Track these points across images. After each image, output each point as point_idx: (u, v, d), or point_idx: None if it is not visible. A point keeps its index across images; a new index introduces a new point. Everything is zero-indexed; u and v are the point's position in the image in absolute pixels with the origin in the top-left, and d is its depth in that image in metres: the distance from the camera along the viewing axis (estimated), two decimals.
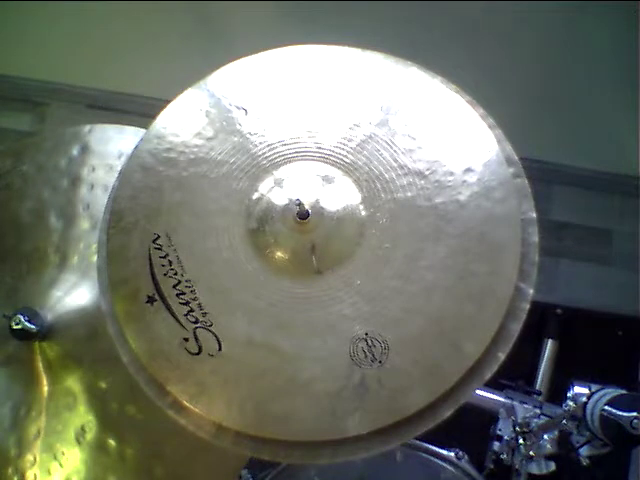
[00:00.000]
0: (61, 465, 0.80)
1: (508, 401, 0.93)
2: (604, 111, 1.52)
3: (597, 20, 1.41)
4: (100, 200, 0.86)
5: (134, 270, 0.66)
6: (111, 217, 0.69)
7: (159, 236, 0.67)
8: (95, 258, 0.71)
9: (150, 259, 0.67)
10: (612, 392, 0.76)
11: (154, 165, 0.70)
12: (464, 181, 0.66)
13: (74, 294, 0.83)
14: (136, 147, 0.72)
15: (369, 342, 0.61)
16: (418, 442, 0.95)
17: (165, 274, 0.66)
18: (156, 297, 0.65)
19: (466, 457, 0.97)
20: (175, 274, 0.66)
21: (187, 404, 0.62)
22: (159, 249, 0.67)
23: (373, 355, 0.61)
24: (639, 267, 1.51)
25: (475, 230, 0.64)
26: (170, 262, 0.66)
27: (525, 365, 1.26)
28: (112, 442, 0.79)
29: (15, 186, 0.90)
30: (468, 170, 0.66)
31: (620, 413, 0.73)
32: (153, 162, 0.71)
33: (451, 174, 0.66)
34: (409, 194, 0.66)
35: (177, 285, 0.65)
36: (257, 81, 0.73)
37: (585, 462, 0.81)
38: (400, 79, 0.71)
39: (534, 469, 0.87)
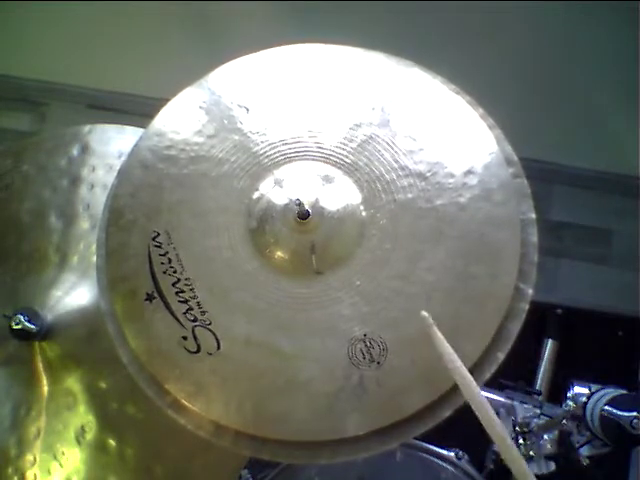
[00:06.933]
0: (61, 465, 0.80)
1: (508, 401, 0.93)
2: (604, 111, 1.52)
3: (597, 20, 1.41)
4: (100, 200, 0.85)
5: (133, 268, 0.66)
6: (111, 215, 0.69)
7: (159, 234, 0.67)
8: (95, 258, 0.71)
9: (150, 257, 0.66)
10: (612, 392, 0.76)
11: (154, 162, 0.70)
12: (464, 183, 0.66)
13: (74, 294, 0.83)
14: (136, 144, 0.72)
15: (367, 343, 0.61)
16: (418, 442, 0.95)
17: (164, 272, 0.66)
18: (155, 295, 0.65)
19: (466, 457, 0.97)
20: (174, 272, 0.66)
21: (185, 403, 0.62)
22: (159, 247, 0.67)
23: (371, 356, 0.61)
24: (639, 267, 1.51)
25: (475, 232, 0.64)
26: (170, 260, 0.66)
27: (525, 365, 1.26)
28: (112, 442, 0.79)
29: (15, 186, 0.90)
30: (469, 172, 0.66)
31: (620, 413, 0.73)
32: (153, 159, 0.71)
33: (452, 176, 0.66)
34: (410, 195, 0.66)
35: (176, 283, 0.65)
36: (259, 80, 0.73)
37: (585, 462, 0.81)
38: (402, 80, 0.71)
39: (534, 469, 0.87)
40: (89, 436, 0.80)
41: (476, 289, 0.62)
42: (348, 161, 0.69)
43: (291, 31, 1.41)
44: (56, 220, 0.88)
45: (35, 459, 0.80)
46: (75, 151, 0.91)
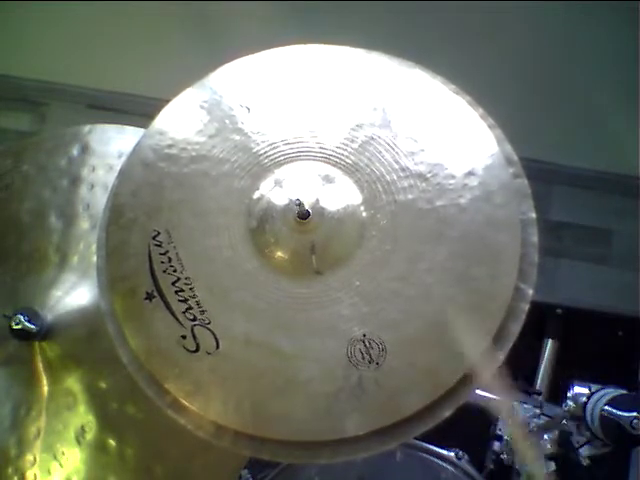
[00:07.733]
0: (61, 465, 0.80)
1: None
2: (604, 111, 1.52)
3: (597, 20, 1.41)
4: (100, 200, 0.86)
5: (134, 267, 0.66)
6: (111, 214, 0.69)
7: (159, 233, 0.67)
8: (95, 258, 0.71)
9: (150, 256, 0.66)
10: (612, 392, 0.76)
11: (155, 161, 0.70)
12: (465, 184, 0.65)
13: (74, 294, 0.83)
14: (138, 143, 0.72)
15: (367, 344, 0.61)
16: (418, 442, 0.95)
17: (164, 271, 0.66)
18: (155, 294, 0.65)
19: (466, 457, 0.97)
20: (174, 271, 0.66)
21: (184, 402, 0.62)
22: (159, 246, 0.67)
23: (370, 357, 0.61)
24: (639, 267, 1.51)
25: (475, 234, 0.64)
26: (170, 259, 0.66)
27: (525, 365, 1.26)
28: (112, 442, 0.79)
29: (15, 186, 0.90)
30: (469, 174, 0.66)
31: (620, 413, 0.73)
32: (154, 158, 0.71)
33: (452, 177, 0.66)
34: (410, 196, 0.66)
35: (176, 282, 0.65)
36: (260, 80, 0.73)
37: (585, 462, 0.81)
38: (403, 81, 0.71)
39: None
40: (89, 436, 0.80)
41: (476, 290, 0.62)
42: (349, 161, 0.68)
43: (291, 31, 1.40)
44: (56, 220, 0.88)
45: (35, 459, 0.80)
46: (75, 151, 0.91)
